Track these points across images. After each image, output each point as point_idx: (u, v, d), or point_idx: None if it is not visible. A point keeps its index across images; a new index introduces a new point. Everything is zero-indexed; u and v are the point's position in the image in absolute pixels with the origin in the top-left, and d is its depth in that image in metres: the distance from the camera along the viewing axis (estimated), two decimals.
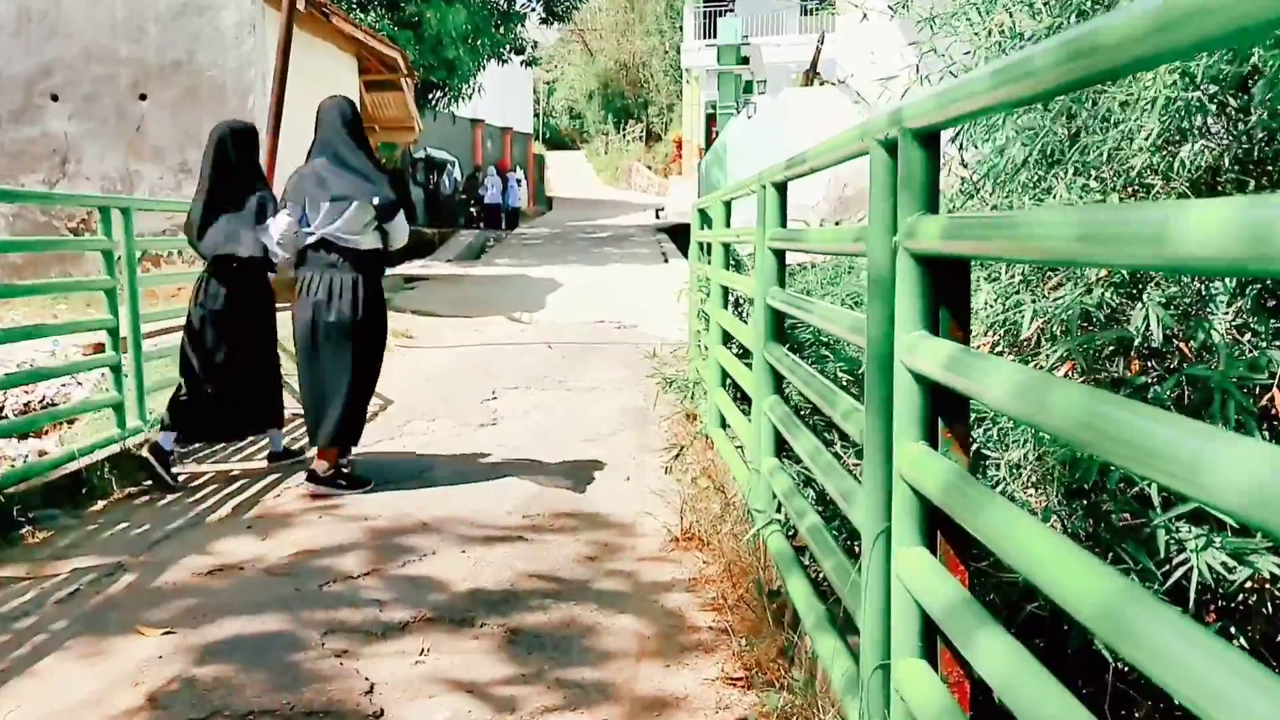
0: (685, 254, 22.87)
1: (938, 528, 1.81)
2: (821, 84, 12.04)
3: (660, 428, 6.06)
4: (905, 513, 1.82)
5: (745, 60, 21.58)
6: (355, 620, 3.13)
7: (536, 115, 43.36)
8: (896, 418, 1.85)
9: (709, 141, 29.78)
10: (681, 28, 38.61)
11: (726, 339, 5.05)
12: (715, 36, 26.81)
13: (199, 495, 4.61)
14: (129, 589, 3.42)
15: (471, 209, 26.63)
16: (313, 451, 4.85)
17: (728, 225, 5.14)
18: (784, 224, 3.40)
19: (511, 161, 32.41)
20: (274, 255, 4.67)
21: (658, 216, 30.06)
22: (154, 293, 10.42)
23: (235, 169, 4.74)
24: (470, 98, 19.78)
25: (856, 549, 2.51)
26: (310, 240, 4.50)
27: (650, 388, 7.43)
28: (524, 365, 8.51)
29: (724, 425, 5.01)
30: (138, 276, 5.09)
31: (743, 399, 4.88)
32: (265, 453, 5.37)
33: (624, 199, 36.50)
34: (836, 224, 11.69)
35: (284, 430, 5.37)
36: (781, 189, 3.45)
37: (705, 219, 6.81)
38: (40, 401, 6.89)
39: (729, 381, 5.06)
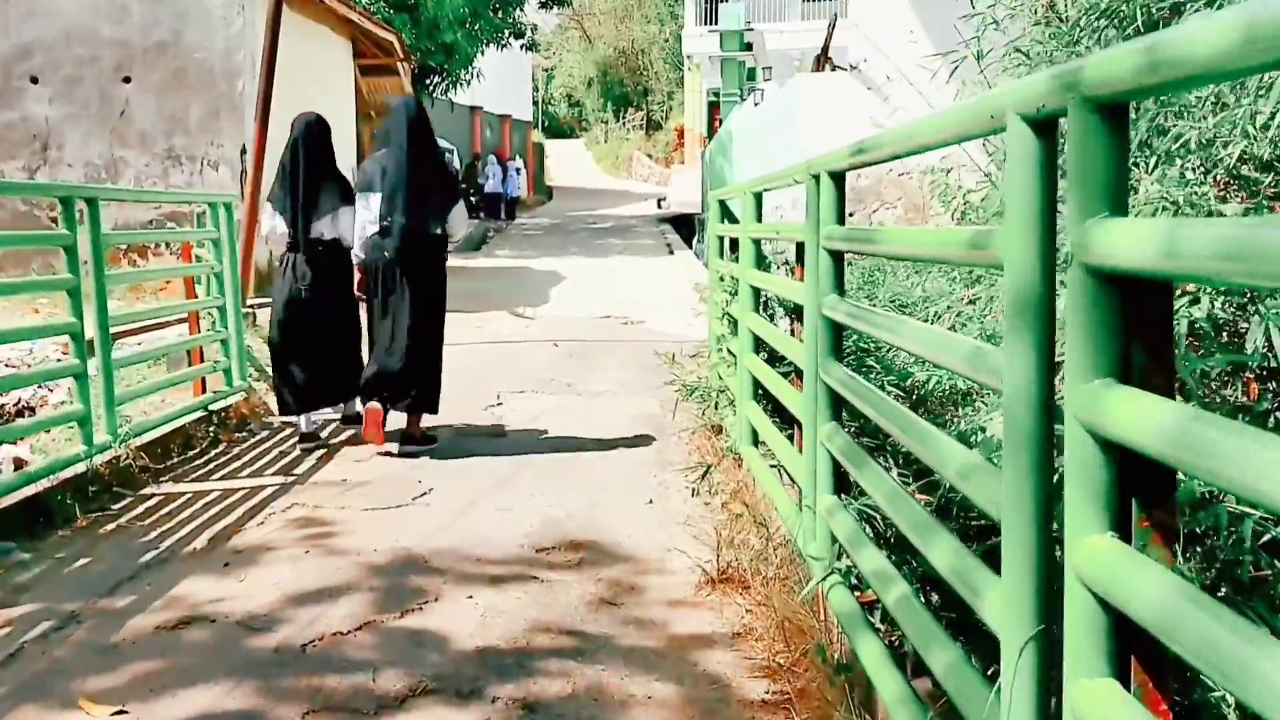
0: (689, 244, 22.41)
1: (1130, 648, 1.32)
2: (833, 69, 11.47)
3: (681, 440, 5.56)
4: (1085, 629, 1.33)
5: (748, 47, 21.00)
6: (343, 692, 2.63)
7: (535, 103, 42.74)
8: (1070, 496, 1.36)
9: (711, 130, 29.20)
10: (679, 14, 37.98)
11: (759, 346, 4.55)
12: (717, 22, 26.21)
13: (173, 523, 4.12)
14: (80, 648, 2.92)
15: (471, 198, 26.08)
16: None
17: (758, 219, 4.64)
18: (841, 220, 2.90)
19: (511, 150, 31.83)
20: (348, 239, 5.15)
21: (659, 206, 29.51)
22: (140, 289, 9.96)
23: (315, 158, 5.22)
24: (469, 84, 19.21)
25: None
26: (375, 228, 4.96)
27: (665, 392, 6.94)
28: (529, 366, 8.01)
29: (756, 441, 4.52)
30: (113, 272, 4.59)
31: (777, 411, 4.40)
32: (249, 469, 4.90)
33: (625, 188, 35.94)
34: (851, 215, 11.20)
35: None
36: (840, 180, 2.94)
37: (726, 212, 6.30)
38: (15, 405, 6.40)
39: (762, 393, 4.57)
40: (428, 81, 18.77)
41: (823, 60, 11.73)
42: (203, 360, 5.60)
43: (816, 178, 3.07)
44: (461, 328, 9.97)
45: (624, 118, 44.62)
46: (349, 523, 4.10)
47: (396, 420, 5.35)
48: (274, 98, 11.00)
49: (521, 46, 23.02)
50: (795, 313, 3.63)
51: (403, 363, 5.03)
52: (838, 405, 2.90)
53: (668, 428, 5.88)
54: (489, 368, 7.87)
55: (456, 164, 26.73)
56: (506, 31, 21.03)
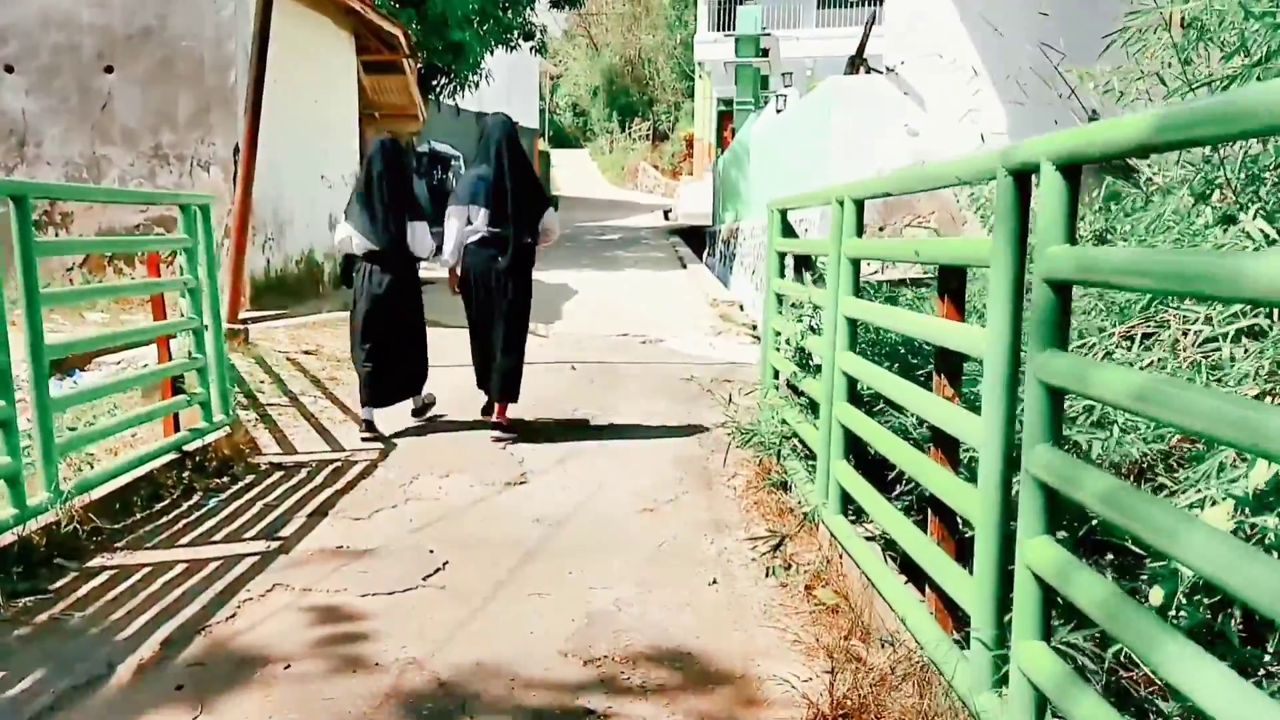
0: (700, 256, 21.58)
1: None
2: (869, 71, 10.61)
3: (734, 493, 4.68)
4: None
5: (765, 53, 20.20)
6: None
7: (542, 111, 41.92)
8: None
9: (721, 140, 28.38)
10: (690, 21, 37.20)
11: (854, 394, 3.66)
12: (731, 28, 25.42)
13: (120, 613, 3.21)
14: None
15: None
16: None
17: (858, 233, 3.77)
18: (1072, 238, 1.99)
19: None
20: (428, 249, 5.76)
21: (666, 218, 28.66)
22: (128, 302, 9.04)
23: (393, 177, 5.54)
24: (477, 85, 18.36)
25: None
26: (479, 236, 5.38)
27: (701, 423, 6.06)
28: (547, 392, 7.12)
29: (847, 509, 3.63)
30: (50, 290, 3.72)
31: (871, 471, 3.51)
32: (227, 529, 4.01)
33: (631, 199, 35.07)
34: (880, 229, 10.36)
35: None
36: (1074, 175, 2.00)
37: (787, 224, 5.44)
38: None
39: (864, 453, 3.68)
40: (434, 83, 17.92)
41: (858, 62, 10.89)
42: (175, 393, 4.70)
43: (1040, 169, 2.20)
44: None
45: (630, 128, 43.79)
46: (344, 617, 3.20)
47: (383, 418, 4.44)
48: (268, 92, 10.14)
49: (531, 49, 22.21)
50: (947, 365, 2.73)
51: (504, 361, 5.62)
52: (1052, 508, 2.00)
53: (715, 475, 4.99)
54: None
55: (462, 170, 25.88)
56: (515, 32, 20.21)
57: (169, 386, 4.65)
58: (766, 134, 14.51)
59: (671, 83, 42.60)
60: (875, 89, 10.57)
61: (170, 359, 4.70)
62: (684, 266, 16.99)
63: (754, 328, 11.46)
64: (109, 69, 9.90)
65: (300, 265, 11.55)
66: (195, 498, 4.41)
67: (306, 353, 7.94)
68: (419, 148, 23.36)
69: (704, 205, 24.14)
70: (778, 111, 14.29)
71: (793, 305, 4.96)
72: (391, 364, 5.69)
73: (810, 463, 4.23)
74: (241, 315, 9.26)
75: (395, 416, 6.14)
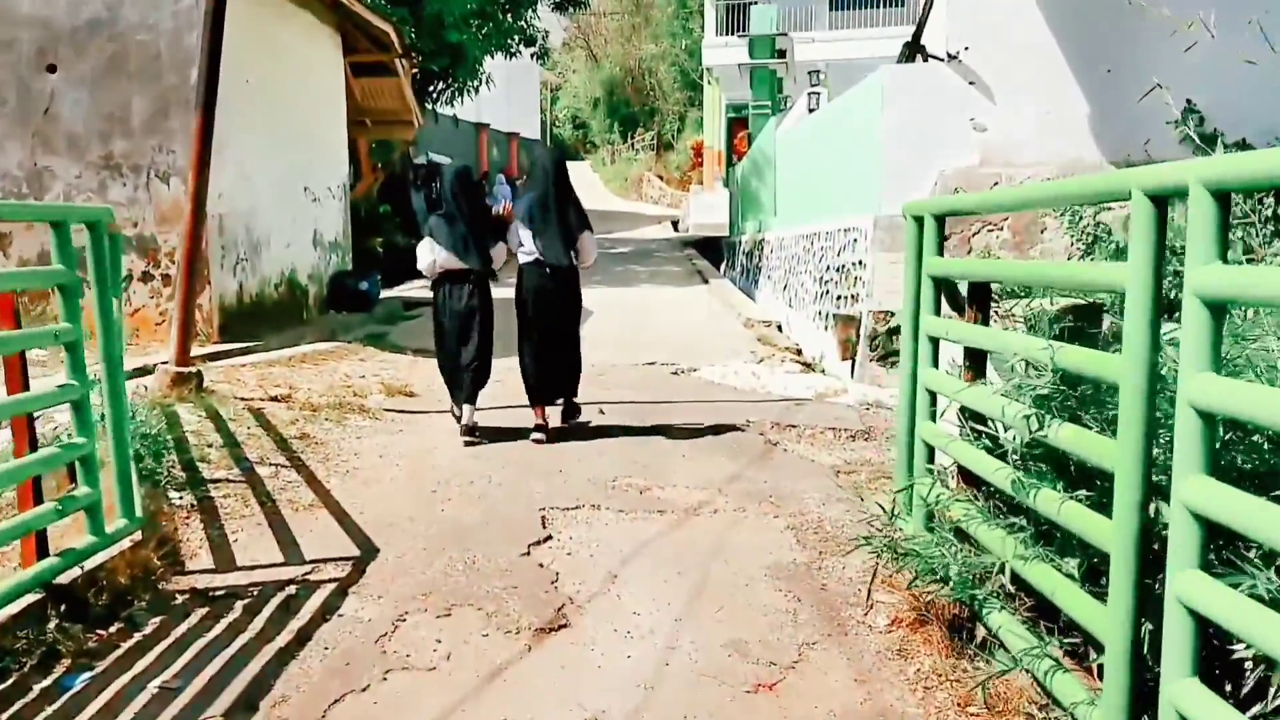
0: (718, 269, 20.00)
1: None
2: (926, 59, 9.02)
3: (884, 643, 3.07)
4: None
5: (782, 54, 18.69)
6: None
7: (544, 122, 40.42)
8: None
9: (732, 147, 26.83)
10: (695, 28, 35.72)
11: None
12: (740, 31, 23.91)
13: None
14: None
15: None
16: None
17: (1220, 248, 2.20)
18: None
19: (519, 169, 29.45)
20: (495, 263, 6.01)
21: (675, 229, 27.12)
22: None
23: (472, 201, 6.00)
24: (477, 91, 16.82)
25: None
26: (529, 257, 5.83)
27: (790, 503, 4.47)
28: (576, 449, 5.53)
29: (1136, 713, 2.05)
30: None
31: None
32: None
33: (636, 210, 33.47)
34: (945, 239, 8.78)
35: None
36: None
37: (939, 235, 3.85)
38: None
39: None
40: (431, 89, 16.38)
41: (914, 48, 9.33)
42: (38, 499, 3.10)
43: None
44: None
45: (632, 138, 42.25)
46: None
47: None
48: (241, 96, 8.61)
49: (532, 55, 20.68)
50: None
51: (565, 365, 6.00)
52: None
53: (842, 605, 3.36)
54: (520, 457, 5.38)
55: None
56: (517, 37, 18.68)
57: (27, 491, 3.04)
58: (796, 137, 12.97)
59: (674, 92, 41.08)
60: (935, 78, 8.99)
61: (34, 447, 3.10)
62: (705, 281, 15.41)
63: (799, 352, 9.87)
64: (51, 68, 8.35)
65: (280, 289, 9.97)
66: (57, 671, 2.80)
67: (277, 399, 6.35)
68: (416, 159, 21.82)
69: (717, 216, 22.59)
70: (810, 110, 12.76)
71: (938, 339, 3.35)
72: (472, 373, 5.98)
73: (1044, 630, 2.62)
74: (204, 351, 7.69)
75: (389, 490, 4.54)
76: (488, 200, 23.75)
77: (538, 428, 5.83)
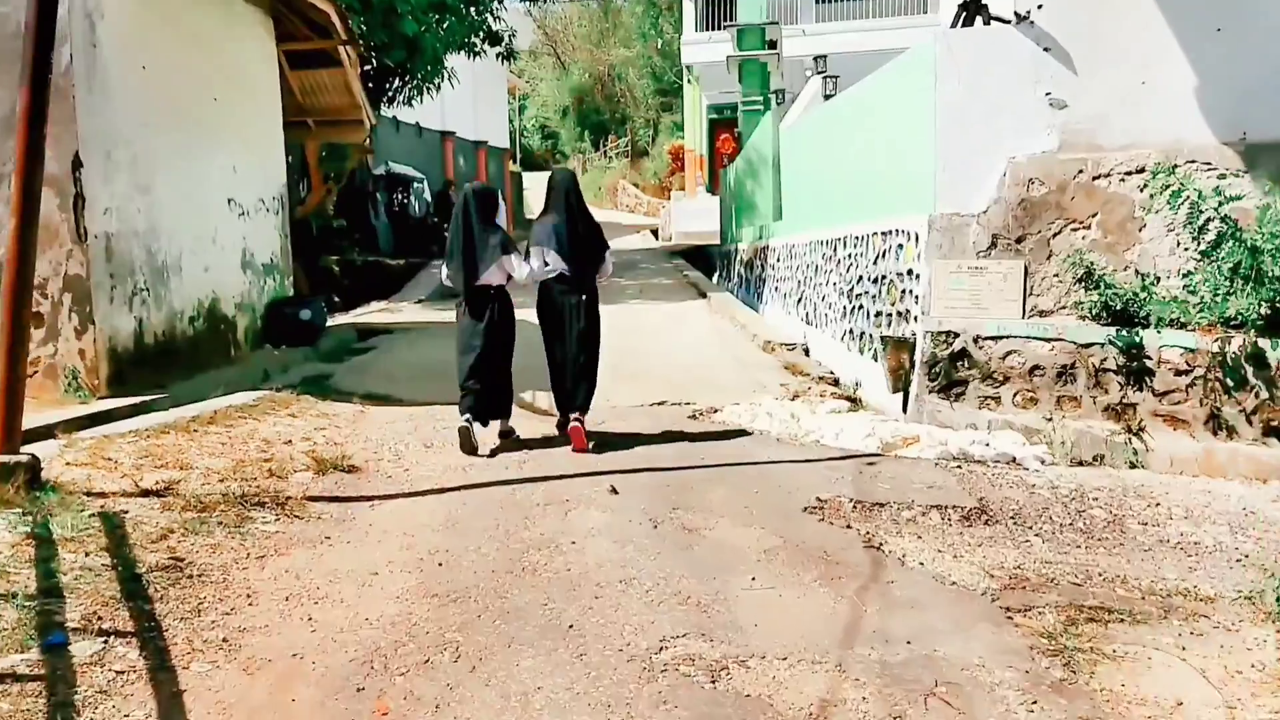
0: (710, 275, 18.13)
1: None
2: (988, 21, 7.16)
3: None
4: None
5: (773, 44, 16.93)
6: None
7: (512, 131, 38.42)
8: None
9: (714, 150, 25.03)
10: (664, 28, 33.96)
11: None
12: (724, 23, 22.13)
13: None
14: None
15: (445, 234, 21.58)
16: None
17: None
18: None
19: (488, 179, 27.47)
20: (523, 275, 5.89)
21: (656, 237, 25.24)
22: None
23: (484, 220, 5.87)
24: (438, 89, 14.86)
25: None
26: (552, 275, 5.85)
27: (949, 678, 2.58)
28: (584, 557, 3.62)
29: None
30: None
31: None
32: None
33: (612, 219, 31.53)
34: (1018, 241, 7.02)
35: None
36: None
37: None
38: None
39: None
40: (386, 86, 14.41)
41: (973, 8, 7.50)
42: None
43: None
44: (439, 443, 5.52)
45: (604, 146, 40.38)
46: None
47: None
48: (136, 85, 6.65)
49: (498, 55, 18.71)
50: None
51: (583, 380, 5.92)
52: None
53: None
54: (506, 579, 3.46)
55: (427, 195, 22.31)
56: (481, 34, 16.74)
57: None
58: (806, 129, 11.12)
59: (646, 97, 39.28)
60: (1000, 44, 7.17)
61: None
62: (702, 295, 13.54)
63: (836, 383, 7.99)
64: None
65: (197, 323, 7.97)
66: None
67: (152, 491, 4.38)
68: (375, 169, 19.81)
69: (704, 223, 20.76)
70: (825, 98, 10.94)
71: None
72: (493, 388, 5.81)
73: None
74: (80, 413, 5.72)
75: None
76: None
77: (570, 432, 5.79)
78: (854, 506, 4.28)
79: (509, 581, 3.49)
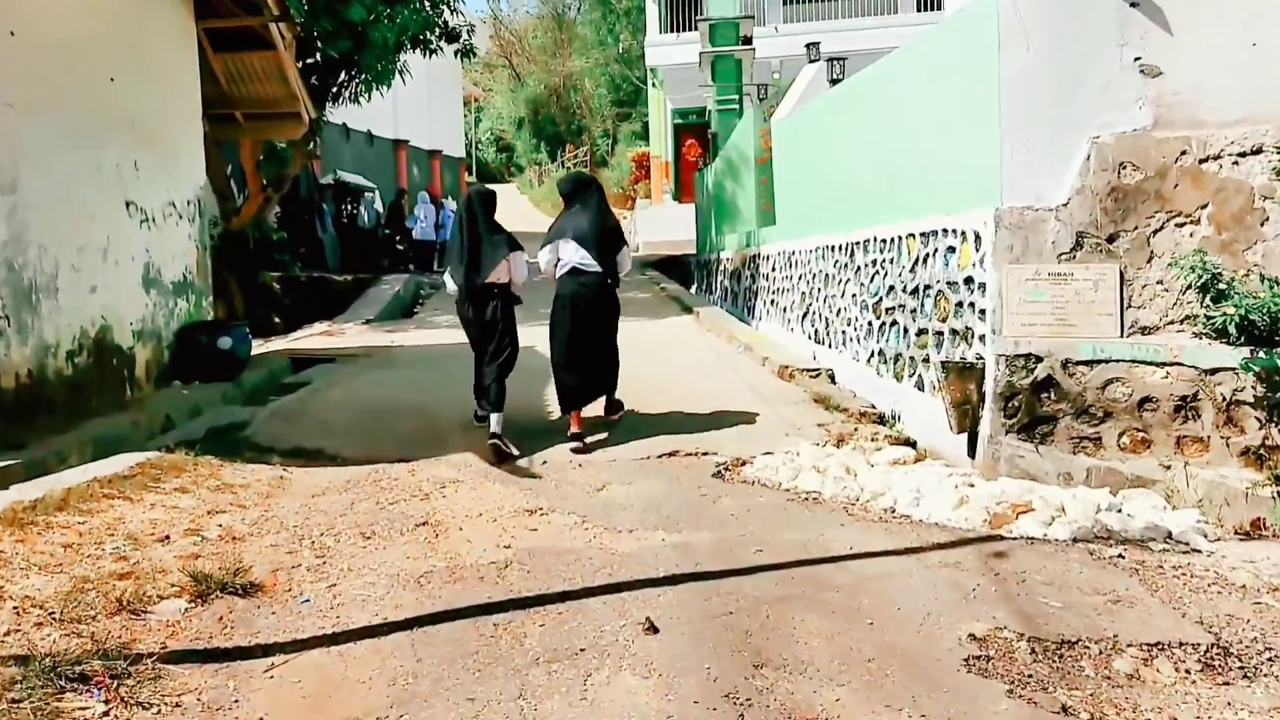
0: (687, 286, 16.48)
1: None
2: None
3: None
4: None
5: (748, 40, 15.40)
6: None
7: (468, 140, 36.53)
8: None
9: (679, 156, 23.45)
10: (621, 35, 32.42)
11: None
12: (688, 27, 20.60)
13: None
14: None
15: (398, 246, 19.63)
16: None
17: None
18: None
19: (443, 190, 25.59)
20: (524, 276, 5.94)
21: None
22: None
23: (488, 220, 5.83)
24: (389, 86, 13.05)
25: None
26: (569, 267, 5.80)
27: None
28: None
29: None
30: None
31: None
32: None
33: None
34: (1110, 240, 5.50)
35: None
36: None
37: None
38: None
39: None
40: (332, 81, 12.58)
41: None
42: None
43: None
44: (384, 524, 3.74)
45: (562, 157, 38.66)
46: None
47: None
48: (10, 60, 4.89)
49: (456, 53, 16.92)
50: None
51: (602, 369, 6.00)
52: None
53: None
54: None
55: (379, 206, 20.39)
56: (436, 31, 14.97)
57: None
58: (809, 122, 9.48)
59: (603, 107, 37.65)
60: (1078, 1, 5.63)
61: None
62: (687, 310, 11.88)
63: (880, 419, 6.35)
64: None
65: (79, 357, 6.12)
66: None
67: None
68: (323, 178, 17.89)
69: (672, 232, 19.15)
70: (832, 82, 9.36)
71: None
72: (494, 382, 5.70)
73: None
74: None
75: None
76: (406, 223, 19.89)
77: (574, 436, 5.62)
78: (1031, 650, 2.66)
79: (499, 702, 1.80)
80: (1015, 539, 3.82)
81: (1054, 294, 5.54)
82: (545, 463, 5.09)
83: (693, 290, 15.39)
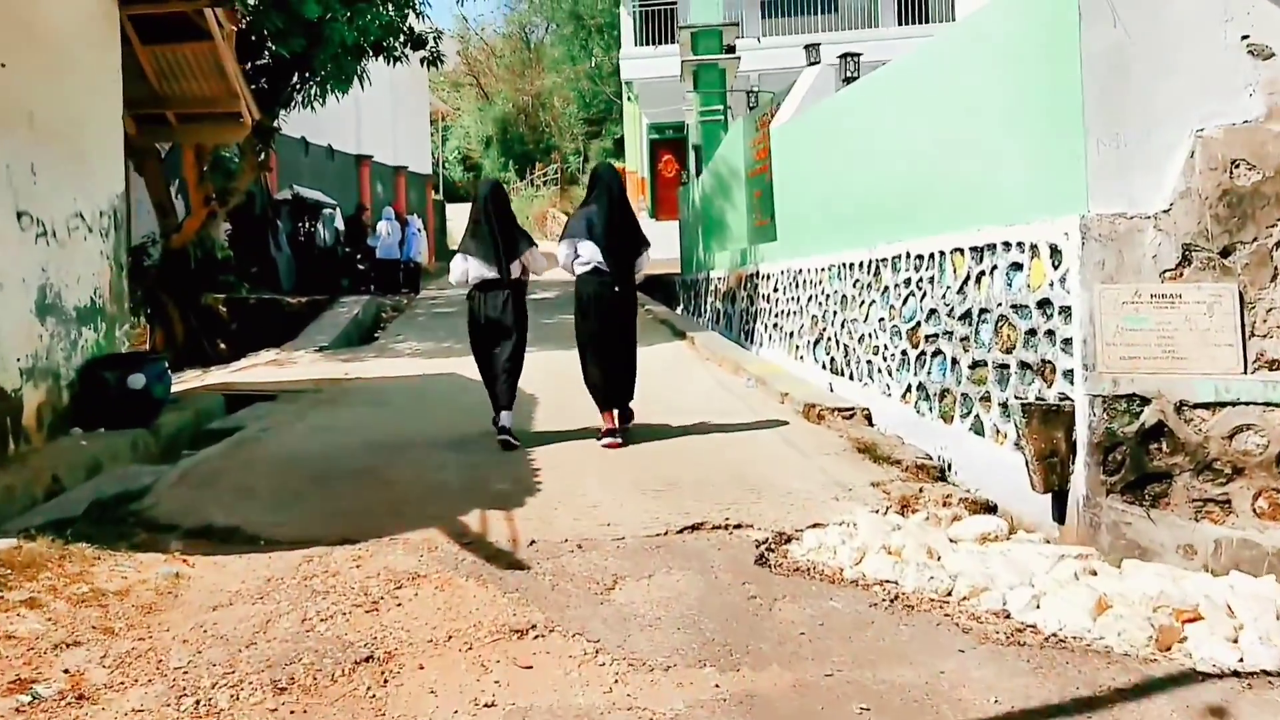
0: (672, 307, 15.32)
1: None
2: None
3: None
4: None
5: (731, 49, 14.34)
6: None
7: (435, 157, 35.20)
8: None
9: (655, 172, 22.34)
10: (593, 50, 31.41)
11: None
12: (663, 41, 19.54)
13: None
14: None
15: (359, 265, 18.24)
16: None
17: None
18: None
19: (408, 207, 24.25)
20: (543, 268, 6.15)
21: None
22: None
23: (502, 215, 5.86)
24: (346, 90, 11.76)
25: None
26: (590, 265, 5.70)
27: None
28: None
29: None
30: None
31: None
32: None
33: (545, 249, 28.65)
34: (1224, 253, 4.39)
35: None
36: None
37: None
38: None
39: None
40: (283, 84, 11.26)
41: None
42: None
43: None
44: (309, 701, 2.37)
45: (531, 175, 37.47)
46: None
47: None
48: None
49: (422, 60, 15.69)
50: None
51: (625, 371, 5.83)
52: None
53: None
54: None
55: (339, 224, 19.01)
56: (401, 38, 13.75)
57: None
58: (818, 127, 8.29)
59: (573, 125, 36.55)
60: None
61: None
62: (680, 335, 10.67)
63: (943, 474, 5.15)
64: None
65: None
66: None
67: None
68: (278, 194, 16.51)
69: (652, 250, 18.00)
70: (845, 81, 8.24)
71: None
72: (503, 379, 5.75)
73: None
74: None
75: None
76: (369, 241, 18.52)
77: (608, 432, 5.64)
78: None
79: None
80: (1215, 675, 2.65)
81: (1159, 320, 4.39)
82: (534, 544, 3.82)
83: (679, 312, 14.22)
